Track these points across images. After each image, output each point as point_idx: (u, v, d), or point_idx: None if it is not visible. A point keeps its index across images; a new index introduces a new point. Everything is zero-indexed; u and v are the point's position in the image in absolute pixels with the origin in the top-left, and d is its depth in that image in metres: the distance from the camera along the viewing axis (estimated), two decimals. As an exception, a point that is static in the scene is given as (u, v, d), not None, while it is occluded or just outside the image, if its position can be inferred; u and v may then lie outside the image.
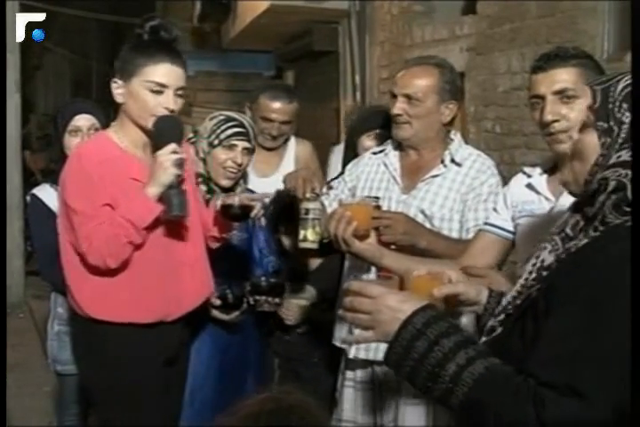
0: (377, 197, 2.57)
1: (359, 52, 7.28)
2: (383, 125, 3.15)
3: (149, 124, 2.38)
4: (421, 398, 2.59)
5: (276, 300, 2.97)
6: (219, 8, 10.32)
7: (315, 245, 2.51)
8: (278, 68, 10.70)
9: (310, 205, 2.51)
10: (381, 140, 3.12)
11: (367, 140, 3.17)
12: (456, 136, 2.72)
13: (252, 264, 3.03)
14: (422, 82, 2.59)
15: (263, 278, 2.95)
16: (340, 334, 2.76)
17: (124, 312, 2.45)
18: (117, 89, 2.42)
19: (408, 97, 2.60)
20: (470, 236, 2.50)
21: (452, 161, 2.62)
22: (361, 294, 1.51)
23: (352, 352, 2.68)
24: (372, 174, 2.76)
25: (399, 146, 2.74)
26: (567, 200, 2.11)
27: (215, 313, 2.83)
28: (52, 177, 3.03)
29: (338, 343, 2.79)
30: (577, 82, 2.09)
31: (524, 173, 2.31)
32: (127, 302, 2.45)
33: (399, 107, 2.62)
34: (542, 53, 2.24)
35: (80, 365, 2.66)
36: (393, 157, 2.74)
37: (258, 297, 2.93)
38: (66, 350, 3.12)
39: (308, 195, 2.55)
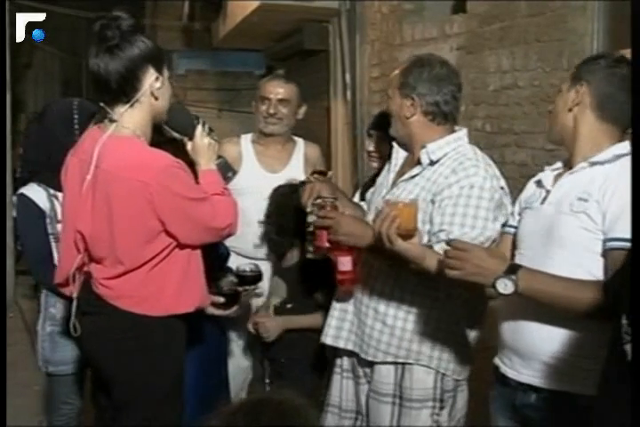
0: (335, 198, 2.58)
1: (349, 50, 7.29)
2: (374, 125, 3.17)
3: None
4: (389, 398, 2.58)
5: (258, 288, 3.09)
6: (209, 7, 10.32)
7: (319, 256, 2.61)
8: (269, 66, 10.68)
9: (312, 219, 2.54)
10: (374, 139, 3.13)
11: (366, 140, 3.22)
12: (456, 133, 2.59)
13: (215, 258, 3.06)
14: (392, 78, 2.60)
15: (248, 269, 3.02)
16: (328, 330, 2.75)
17: (178, 303, 2.50)
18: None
19: (387, 94, 2.64)
20: (436, 240, 2.38)
21: (431, 161, 2.51)
22: (456, 247, 2.03)
23: (322, 338, 2.71)
24: (385, 171, 2.75)
25: None
26: (557, 191, 2.15)
27: (213, 311, 2.82)
28: (38, 176, 3.01)
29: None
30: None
31: (543, 170, 2.33)
32: (180, 293, 2.50)
33: (387, 104, 2.65)
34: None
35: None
36: (402, 153, 2.69)
37: (248, 287, 2.99)
38: (58, 350, 3.12)
39: (308, 209, 2.57)
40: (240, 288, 2.95)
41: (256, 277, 3.06)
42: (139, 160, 2.40)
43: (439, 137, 2.55)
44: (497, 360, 2.29)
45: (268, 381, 3.31)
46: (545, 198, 2.20)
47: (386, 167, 2.75)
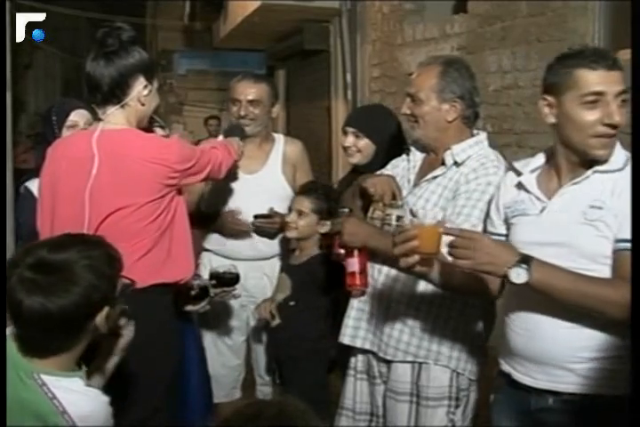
0: (350, 209, 2.60)
1: (350, 50, 7.29)
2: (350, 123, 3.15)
3: None
4: (407, 396, 2.58)
5: (235, 290, 3.08)
6: (210, 7, 10.34)
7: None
8: (269, 66, 10.70)
9: (395, 212, 2.53)
10: (350, 135, 3.10)
11: (342, 136, 3.20)
12: (478, 136, 2.59)
13: None
14: (424, 81, 2.54)
15: (221, 271, 3.05)
16: (345, 330, 2.74)
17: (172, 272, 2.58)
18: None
19: (412, 97, 2.57)
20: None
21: (455, 162, 2.52)
22: (465, 237, 1.97)
23: (339, 337, 2.69)
24: (400, 171, 2.73)
25: None
26: (559, 201, 2.12)
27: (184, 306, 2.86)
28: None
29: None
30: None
31: (515, 170, 2.29)
32: (174, 262, 2.60)
33: (405, 106, 2.59)
34: (599, 49, 2.19)
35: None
36: (419, 154, 2.68)
37: (227, 289, 3.01)
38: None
39: (388, 202, 2.56)
40: (214, 289, 2.97)
41: (233, 278, 3.08)
42: (148, 143, 2.60)
43: (463, 139, 2.55)
44: (506, 367, 2.23)
45: (278, 381, 3.33)
46: (544, 207, 2.13)
47: (402, 166, 2.74)
